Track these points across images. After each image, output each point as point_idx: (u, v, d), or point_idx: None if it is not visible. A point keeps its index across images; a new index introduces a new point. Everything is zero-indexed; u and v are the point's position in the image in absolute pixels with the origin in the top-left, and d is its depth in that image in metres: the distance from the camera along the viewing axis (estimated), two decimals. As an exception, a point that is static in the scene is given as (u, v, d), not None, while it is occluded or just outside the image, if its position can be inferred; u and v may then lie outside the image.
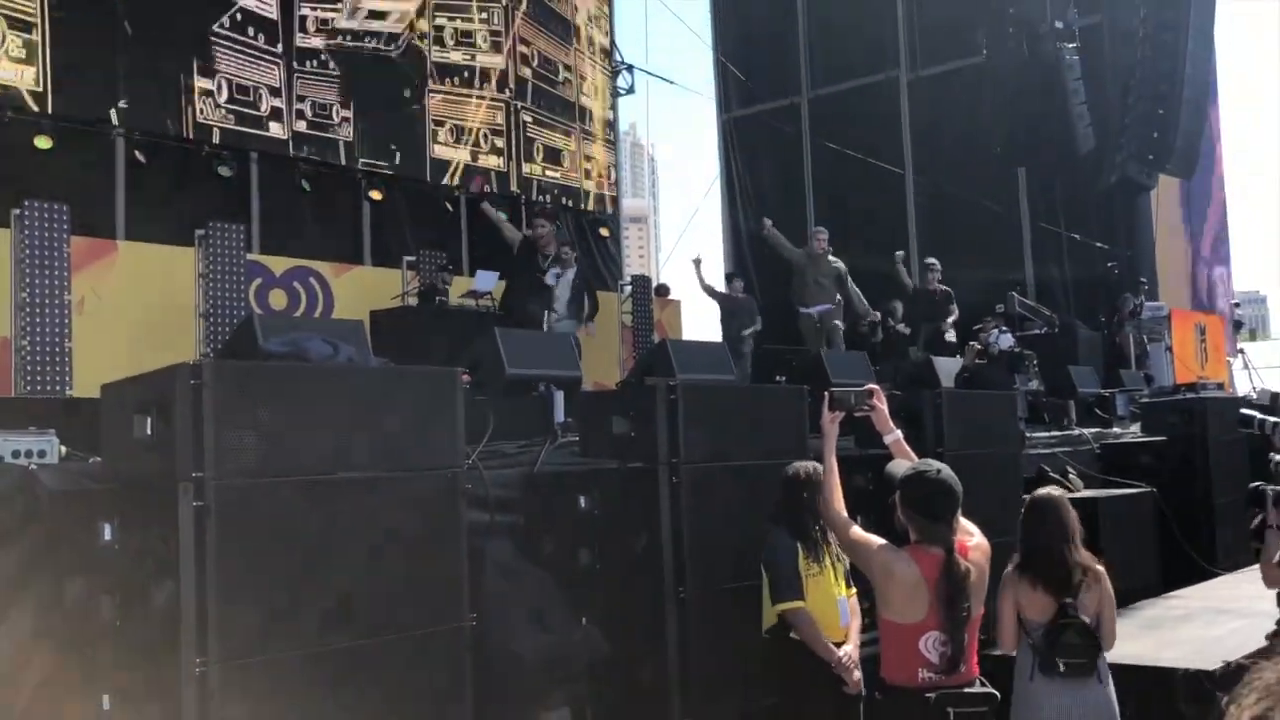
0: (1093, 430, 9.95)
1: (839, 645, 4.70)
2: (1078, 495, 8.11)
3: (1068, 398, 10.52)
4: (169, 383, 3.50)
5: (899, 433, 4.29)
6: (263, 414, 3.55)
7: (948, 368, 9.62)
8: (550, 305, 10.55)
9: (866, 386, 4.36)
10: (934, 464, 3.73)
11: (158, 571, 3.60)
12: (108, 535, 3.84)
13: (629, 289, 15.73)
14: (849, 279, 12.23)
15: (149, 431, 3.62)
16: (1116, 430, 10.39)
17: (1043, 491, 4.57)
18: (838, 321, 12.02)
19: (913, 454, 4.19)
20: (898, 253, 14.14)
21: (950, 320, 12.98)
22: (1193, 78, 15.42)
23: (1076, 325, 14.60)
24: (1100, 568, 4.31)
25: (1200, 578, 8.14)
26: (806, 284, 12.19)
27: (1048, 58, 15.57)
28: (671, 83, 21.41)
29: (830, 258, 12.29)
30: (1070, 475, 8.40)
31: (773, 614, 4.78)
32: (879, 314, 12.20)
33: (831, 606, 4.79)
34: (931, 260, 13.81)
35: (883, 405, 4.27)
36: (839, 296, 11.93)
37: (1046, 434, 9.30)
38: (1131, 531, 7.99)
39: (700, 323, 13.99)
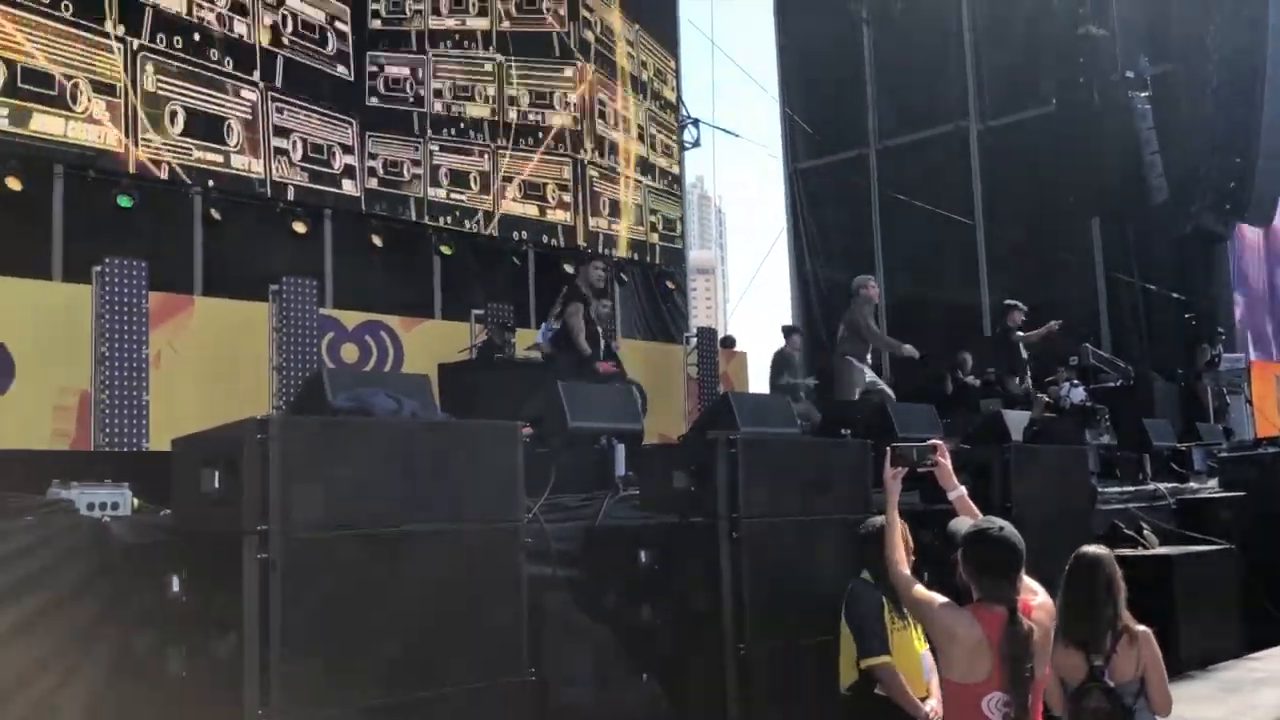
0: (1169, 485, 9.71)
1: (923, 700, 4.63)
2: (1153, 552, 7.92)
3: (1143, 452, 10.28)
4: (236, 437, 3.58)
5: (962, 489, 4.24)
6: (327, 468, 3.62)
7: (1017, 421, 9.46)
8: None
9: (930, 442, 4.32)
10: (996, 521, 3.67)
11: (223, 623, 3.66)
12: (176, 587, 3.91)
13: (694, 341, 15.75)
14: (859, 321, 11.77)
15: (216, 485, 3.70)
16: (1194, 485, 10.13)
17: (1086, 549, 4.47)
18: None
19: (976, 510, 4.13)
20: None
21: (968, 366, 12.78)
22: (1271, 125, 15.16)
23: (1152, 377, 14.31)
24: (1142, 628, 4.19)
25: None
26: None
27: (1119, 107, 15.43)
28: (736, 135, 21.45)
29: (853, 303, 11.89)
30: (1145, 532, 8.19)
31: (853, 669, 4.73)
32: (913, 350, 11.71)
33: (915, 662, 4.73)
34: (1014, 301, 13.54)
35: (946, 461, 4.22)
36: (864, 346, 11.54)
37: (1120, 489, 9.10)
38: (1210, 590, 7.76)
39: (767, 375, 13.86)
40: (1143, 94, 15.29)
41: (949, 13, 18.90)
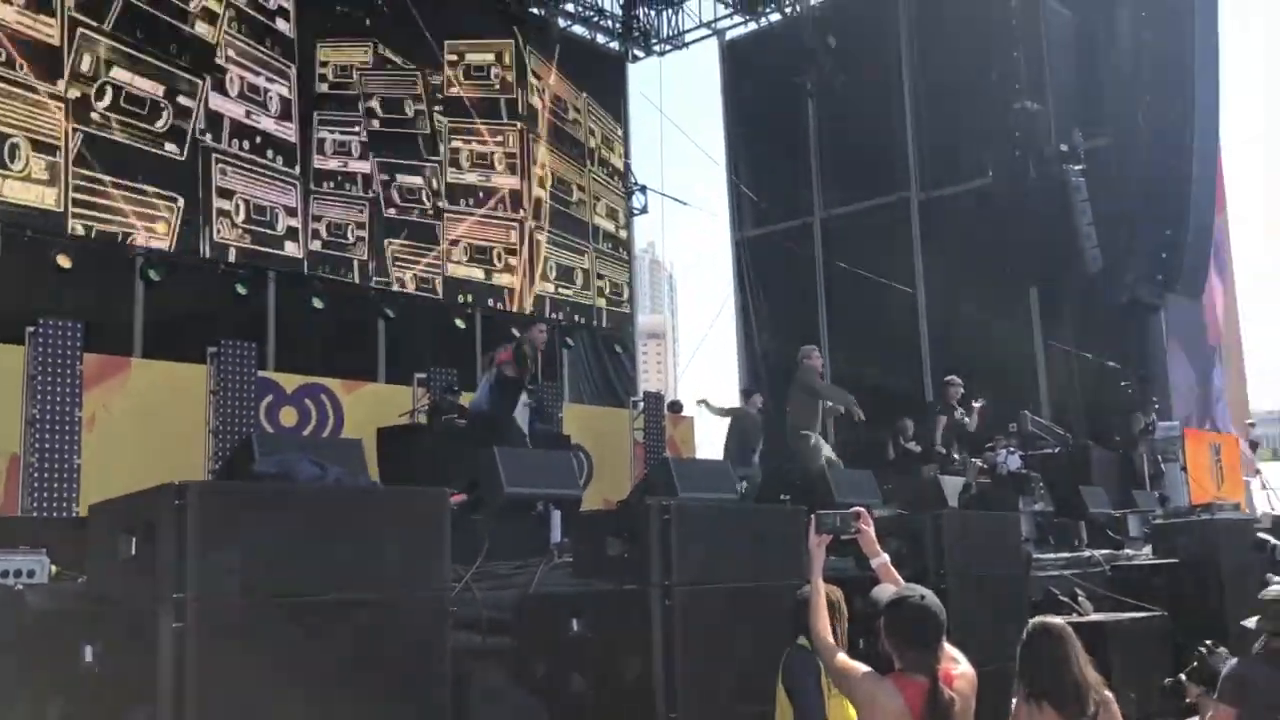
0: (1104, 552, 9.80)
1: None
2: (1087, 619, 7.96)
3: (1079, 518, 10.39)
4: (153, 503, 3.52)
5: (885, 557, 4.25)
6: (246, 536, 3.56)
7: (954, 487, 9.55)
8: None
9: (853, 509, 4.33)
10: (918, 589, 3.68)
11: (137, 695, 3.57)
12: (89, 657, 3.81)
13: (641, 405, 15.77)
14: (814, 384, 11.73)
15: (133, 552, 3.63)
16: (1129, 552, 10.23)
17: (1049, 618, 4.49)
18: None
19: (899, 578, 4.15)
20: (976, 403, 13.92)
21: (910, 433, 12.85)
22: (1198, 199, 15.59)
23: (1090, 445, 14.50)
24: (1109, 694, 4.22)
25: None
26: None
27: (1054, 179, 15.78)
28: (685, 203, 21.67)
29: (802, 366, 11.87)
30: (1080, 598, 8.24)
31: None
32: (861, 414, 11.69)
33: None
34: (952, 377, 13.71)
35: (869, 528, 4.23)
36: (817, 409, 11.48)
37: (1056, 555, 9.17)
38: (1142, 656, 7.81)
39: (714, 440, 13.89)
40: (1077, 167, 15.67)
41: (891, 86, 19.30)
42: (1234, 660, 5.17)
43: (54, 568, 4.51)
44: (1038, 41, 16.61)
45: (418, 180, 15.93)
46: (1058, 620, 4.46)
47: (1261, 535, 5.96)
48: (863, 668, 3.68)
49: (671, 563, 5.05)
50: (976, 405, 13.43)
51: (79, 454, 9.62)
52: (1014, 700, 4.23)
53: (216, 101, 13.50)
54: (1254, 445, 19.28)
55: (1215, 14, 16.16)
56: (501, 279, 16.85)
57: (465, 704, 4.48)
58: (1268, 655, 4.95)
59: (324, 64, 15.02)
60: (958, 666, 3.66)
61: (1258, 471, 18.11)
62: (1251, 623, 5.13)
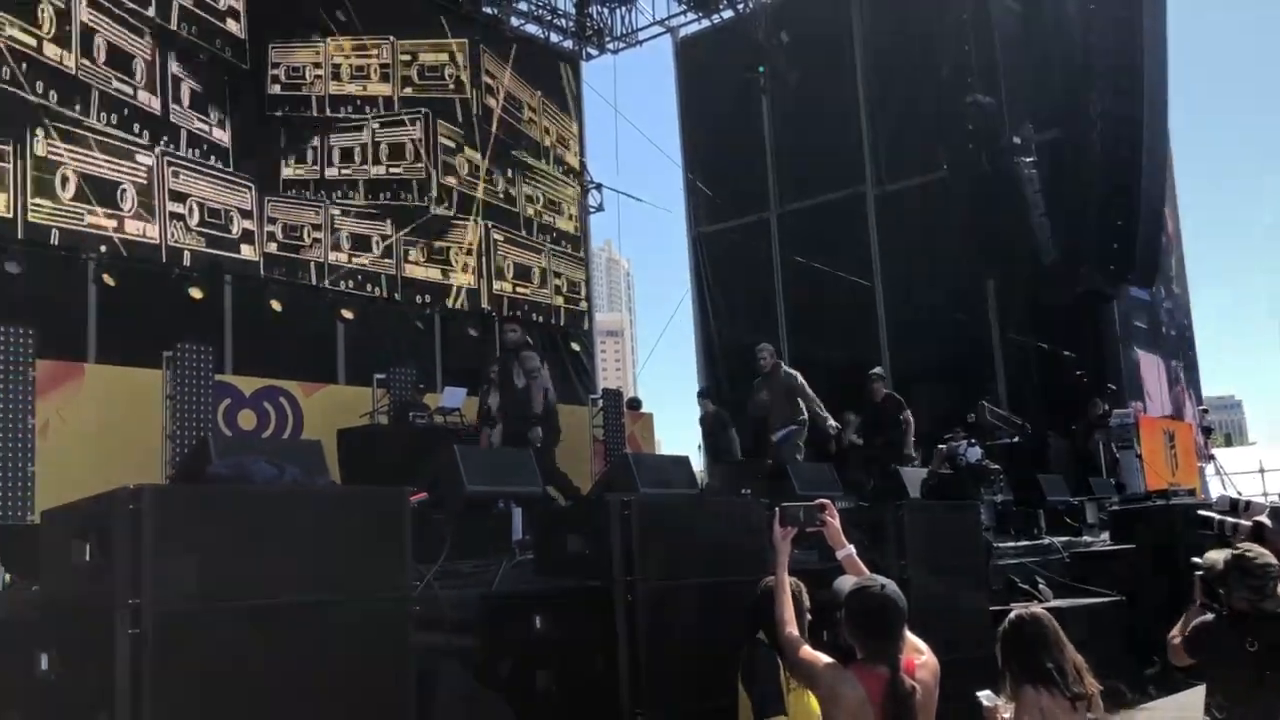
0: (1062, 539, 9.93)
1: None
2: (1047, 605, 8.05)
3: (1037, 507, 10.51)
4: (107, 508, 3.47)
5: (851, 548, 4.27)
6: (202, 539, 3.52)
7: (915, 478, 9.62)
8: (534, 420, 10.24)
9: (817, 502, 4.35)
10: (878, 580, 3.70)
11: (94, 703, 3.52)
12: (45, 665, 3.76)
13: (600, 402, 15.76)
14: (805, 389, 11.85)
15: (87, 558, 3.58)
16: (1087, 539, 10.37)
17: (1031, 606, 4.53)
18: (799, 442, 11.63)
19: (865, 569, 4.16)
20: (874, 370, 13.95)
21: (909, 435, 12.89)
22: (1148, 190, 15.80)
23: (1047, 434, 14.66)
24: (1097, 685, 4.25)
25: (1173, 689, 8.05)
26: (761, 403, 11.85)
27: (1007, 172, 15.94)
28: (640, 200, 21.68)
29: (784, 370, 12.03)
30: (1040, 585, 8.34)
31: None
32: (837, 425, 11.89)
33: (814, 719, 4.71)
34: (876, 369, 13.72)
35: (835, 520, 4.25)
36: (801, 411, 11.55)
37: (1015, 544, 9.27)
38: (1101, 641, 7.90)
39: (673, 436, 14.02)
40: (1029, 159, 15.83)
41: (844, 81, 19.40)
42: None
43: (8, 576, 4.45)
44: (989, 34, 16.77)
45: (373, 179, 15.84)
46: (1038, 608, 4.50)
47: (1203, 513, 5.99)
48: (825, 659, 3.69)
49: (634, 558, 5.05)
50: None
51: (33, 461, 9.45)
52: (999, 698, 4.22)
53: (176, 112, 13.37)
54: (1207, 431, 19.59)
55: (1163, 4, 16.36)
56: (460, 279, 16.78)
57: (430, 704, 4.45)
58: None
59: (275, 65, 14.89)
60: (920, 656, 3.68)
61: (1211, 457, 18.40)
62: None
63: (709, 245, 21.34)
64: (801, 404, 11.43)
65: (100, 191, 12.47)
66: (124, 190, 12.71)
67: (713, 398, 14.55)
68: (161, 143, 13.18)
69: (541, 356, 11.04)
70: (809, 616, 4.66)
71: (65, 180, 12.17)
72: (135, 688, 3.34)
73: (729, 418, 13.73)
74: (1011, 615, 4.36)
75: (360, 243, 15.42)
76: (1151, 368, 18.56)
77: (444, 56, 17.13)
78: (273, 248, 14.34)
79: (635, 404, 16.74)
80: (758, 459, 11.18)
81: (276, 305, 14.06)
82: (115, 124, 12.72)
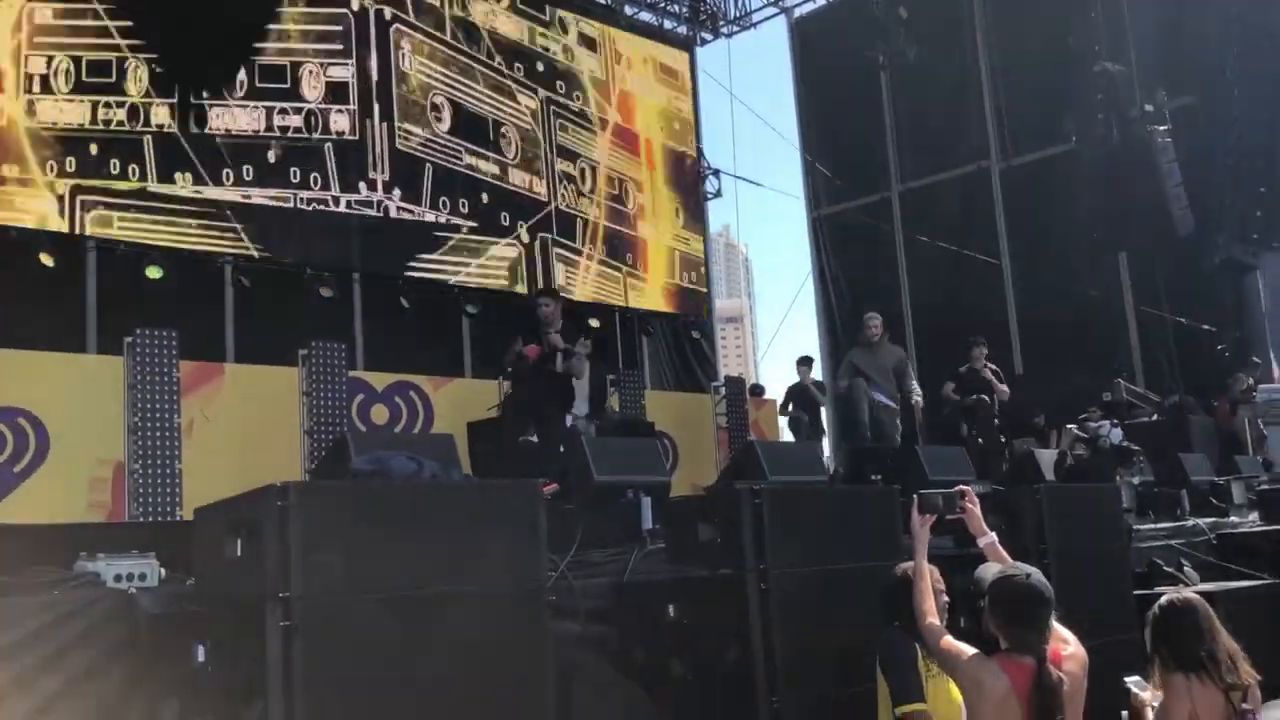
0: (1208, 520, 9.56)
1: None
2: (1195, 589, 7.78)
3: (1180, 487, 10.14)
4: (257, 504, 3.59)
5: (993, 535, 4.18)
6: (348, 533, 3.62)
7: (1048, 460, 9.37)
8: (569, 403, 9.60)
9: (958, 488, 4.27)
10: (1024, 568, 3.61)
11: (248, 693, 3.65)
12: (201, 657, 3.91)
13: (723, 390, 15.73)
14: (908, 367, 11.53)
15: (239, 553, 3.71)
16: (1234, 519, 9.96)
17: (1181, 590, 4.39)
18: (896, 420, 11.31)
19: (1007, 557, 4.07)
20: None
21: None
22: (1293, 153, 15.11)
23: (1188, 411, 14.14)
24: (1255, 675, 4.11)
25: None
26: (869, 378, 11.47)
27: (1140, 141, 15.39)
28: (759, 185, 21.54)
29: (889, 345, 11.73)
30: (1185, 568, 8.06)
31: (890, 718, 4.65)
32: (919, 398, 11.52)
33: (953, 708, 4.63)
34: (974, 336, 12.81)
35: (975, 507, 4.17)
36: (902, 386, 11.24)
37: (1157, 526, 8.97)
38: (1256, 626, 7.60)
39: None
40: (1163, 127, 15.25)
41: (965, 54, 18.98)
42: None
43: (163, 570, 4.62)
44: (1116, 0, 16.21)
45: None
46: (1190, 593, 4.35)
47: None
48: (969, 649, 3.62)
49: (765, 547, 5.03)
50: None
51: (179, 459, 9.85)
52: (1148, 685, 4.10)
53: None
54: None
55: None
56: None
57: (568, 692, 4.51)
58: None
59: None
60: (1067, 647, 3.58)
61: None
62: None
63: (829, 227, 21.11)
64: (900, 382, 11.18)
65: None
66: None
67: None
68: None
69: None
70: (945, 599, 4.59)
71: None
72: (287, 677, 3.45)
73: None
74: (1162, 600, 4.22)
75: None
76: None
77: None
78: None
79: (758, 391, 16.67)
80: (882, 444, 11.00)
81: (405, 302, 14.38)
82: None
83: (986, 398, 12.02)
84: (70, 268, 11.72)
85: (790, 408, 13.95)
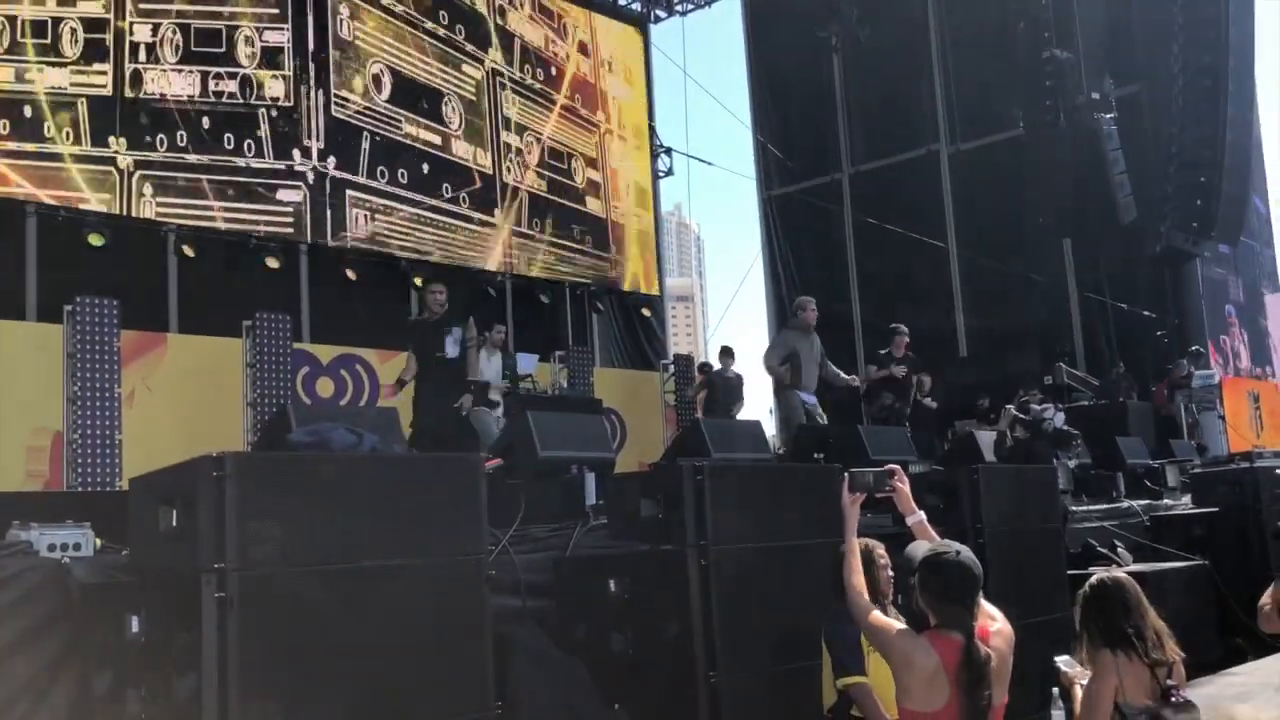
0: (1142, 503, 9.75)
1: None
2: (1127, 569, 7.94)
3: (1116, 470, 10.33)
4: (192, 475, 3.55)
5: (921, 514, 4.23)
6: (284, 505, 3.59)
7: (988, 441, 9.50)
8: (468, 389, 9.49)
9: (887, 467, 4.31)
10: (953, 545, 3.66)
11: (182, 664, 3.63)
12: (135, 628, 3.88)
13: (672, 368, 15.77)
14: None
15: (174, 524, 3.68)
16: (1167, 502, 10.17)
17: (1112, 570, 4.46)
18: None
19: (935, 535, 4.12)
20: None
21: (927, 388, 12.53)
22: (1234, 144, 15.35)
23: (1125, 396, 14.39)
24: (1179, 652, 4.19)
25: (1259, 653, 7.89)
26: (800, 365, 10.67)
27: (1086, 128, 15.59)
28: (710, 164, 21.53)
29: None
30: (1119, 549, 8.22)
31: (834, 691, 4.71)
32: (857, 379, 11.44)
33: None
34: (896, 324, 12.50)
35: (905, 486, 4.21)
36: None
37: (1093, 507, 9.13)
38: (1184, 606, 7.78)
39: (747, 400, 13.86)
40: (1108, 115, 15.47)
41: (917, 38, 19.10)
42: None
43: (98, 541, 4.58)
44: (1065, -11, 16.39)
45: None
46: (1120, 573, 4.43)
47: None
48: (897, 625, 3.67)
49: (706, 524, 5.06)
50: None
51: (120, 429, 9.73)
52: (1073, 663, 4.17)
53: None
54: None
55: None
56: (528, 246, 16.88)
57: (506, 666, 4.53)
58: None
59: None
60: (994, 623, 3.63)
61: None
62: None
63: (780, 208, 21.20)
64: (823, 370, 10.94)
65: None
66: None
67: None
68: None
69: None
70: (890, 574, 4.64)
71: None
72: (221, 649, 3.43)
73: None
74: (1092, 579, 4.29)
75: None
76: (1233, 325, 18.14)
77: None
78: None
79: (706, 369, 16.71)
80: (829, 424, 11.01)
81: (351, 274, 14.25)
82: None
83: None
84: (10, 234, 11.49)
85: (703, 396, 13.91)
